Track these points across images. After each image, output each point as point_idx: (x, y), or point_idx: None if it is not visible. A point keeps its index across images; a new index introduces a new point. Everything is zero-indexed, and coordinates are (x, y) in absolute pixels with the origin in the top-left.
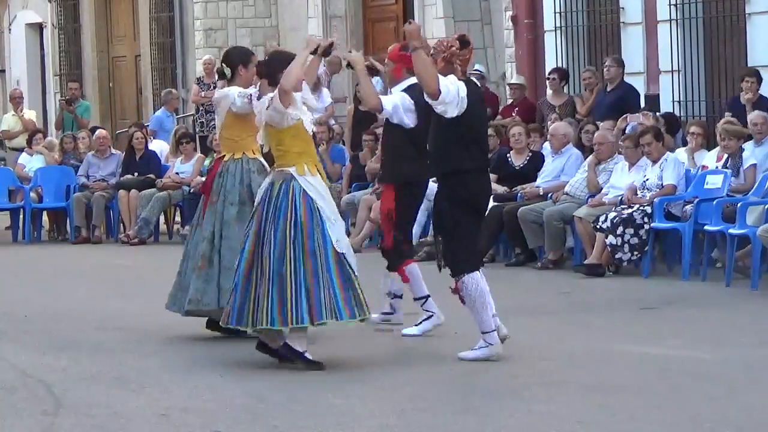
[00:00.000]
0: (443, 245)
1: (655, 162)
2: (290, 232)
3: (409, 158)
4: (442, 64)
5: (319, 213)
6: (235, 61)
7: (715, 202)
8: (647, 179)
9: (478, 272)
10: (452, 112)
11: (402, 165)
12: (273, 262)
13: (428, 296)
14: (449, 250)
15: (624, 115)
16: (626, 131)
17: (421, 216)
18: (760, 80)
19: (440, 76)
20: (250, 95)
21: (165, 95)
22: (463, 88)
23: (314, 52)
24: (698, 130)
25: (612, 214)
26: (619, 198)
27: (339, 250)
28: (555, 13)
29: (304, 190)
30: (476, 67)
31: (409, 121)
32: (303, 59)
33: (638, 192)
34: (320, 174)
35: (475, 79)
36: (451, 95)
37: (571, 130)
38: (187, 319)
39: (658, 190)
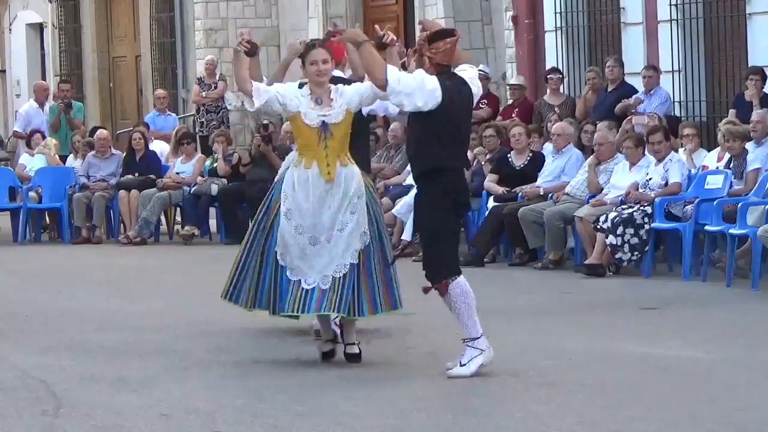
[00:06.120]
0: (423, 249)
1: (659, 161)
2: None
3: None
4: (414, 56)
5: None
6: None
7: (715, 203)
8: (650, 179)
9: (460, 276)
10: (411, 103)
11: None
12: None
13: None
14: (428, 255)
15: (628, 117)
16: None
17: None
18: (764, 78)
19: (390, 66)
20: None
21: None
22: (430, 81)
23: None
24: (692, 132)
25: (612, 214)
26: (620, 198)
27: None
28: (555, 13)
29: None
30: (480, 67)
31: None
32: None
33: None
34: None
35: (467, 78)
36: (405, 85)
37: (573, 130)
38: (186, 319)
39: (661, 189)
